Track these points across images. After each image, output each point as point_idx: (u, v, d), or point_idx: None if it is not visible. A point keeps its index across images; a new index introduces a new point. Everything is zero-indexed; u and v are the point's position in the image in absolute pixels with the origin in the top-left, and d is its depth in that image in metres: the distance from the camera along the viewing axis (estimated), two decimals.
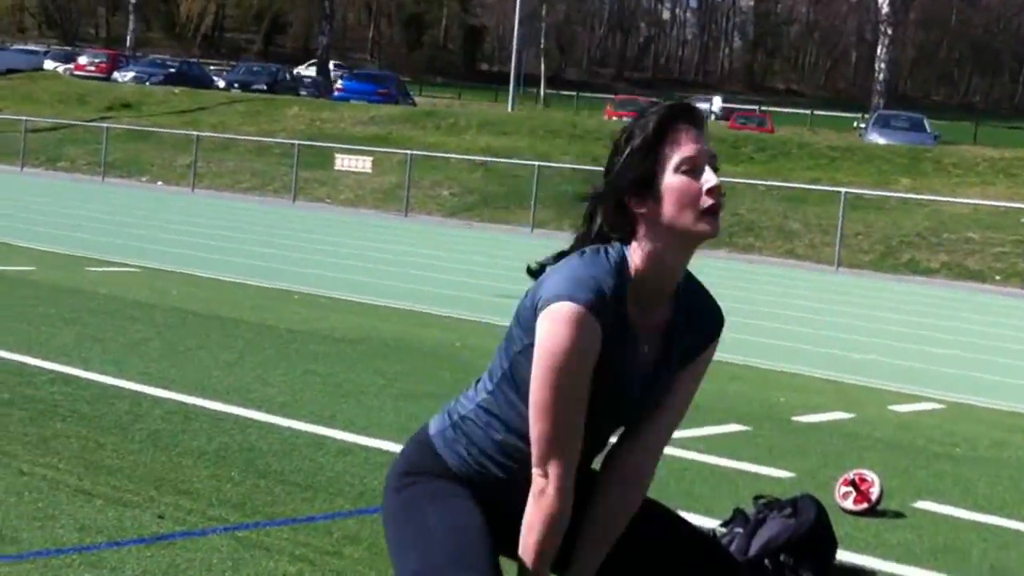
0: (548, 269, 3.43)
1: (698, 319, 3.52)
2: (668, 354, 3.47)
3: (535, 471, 3.38)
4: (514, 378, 3.43)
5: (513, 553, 3.50)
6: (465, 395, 3.59)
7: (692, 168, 3.33)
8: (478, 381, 3.58)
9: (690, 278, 3.52)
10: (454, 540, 3.39)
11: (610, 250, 3.39)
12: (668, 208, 3.33)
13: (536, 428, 3.35)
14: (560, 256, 3.49)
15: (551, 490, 3.36)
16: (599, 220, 3.45)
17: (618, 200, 3.39)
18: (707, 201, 3.33)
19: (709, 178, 3.34)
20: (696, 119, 3.40)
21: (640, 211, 3.37)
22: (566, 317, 3.27)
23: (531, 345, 3.35)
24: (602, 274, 3.33)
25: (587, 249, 3.41)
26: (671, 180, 3.33)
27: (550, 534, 3.39)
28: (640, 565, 3.66)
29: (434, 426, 3.60)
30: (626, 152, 3.38)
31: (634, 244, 3.39)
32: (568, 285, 3.30)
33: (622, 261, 3.37)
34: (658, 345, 3.46)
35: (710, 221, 3.34)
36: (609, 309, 3.31)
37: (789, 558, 6.22)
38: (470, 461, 3.51)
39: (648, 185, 3.34)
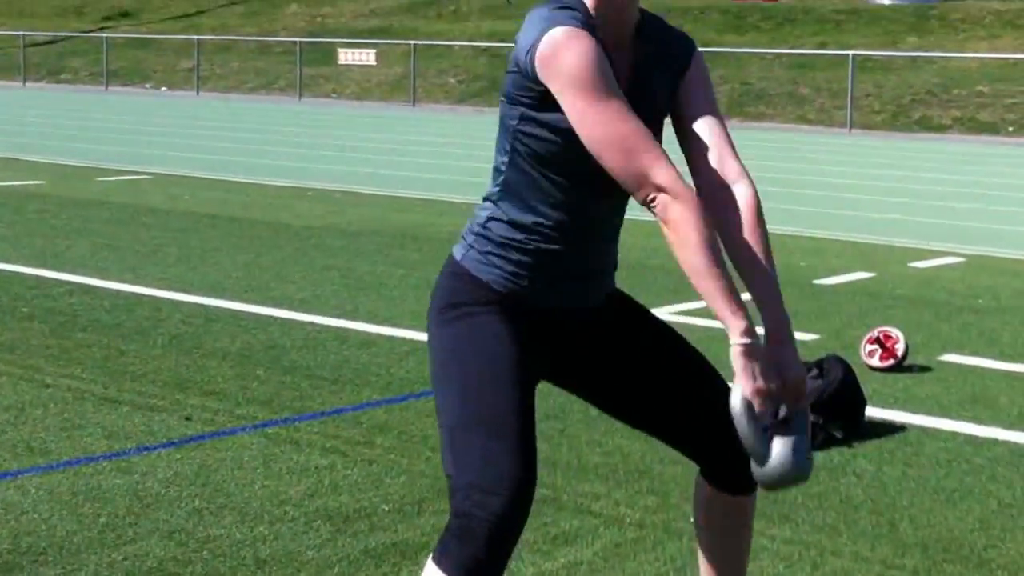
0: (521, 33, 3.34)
1: (665, 45, 3.44)
2: (649, 84, 3.40)
3: (644, 200, 3.18)
4: (523, 153, 3.35)
5: (584, 377, 3.49)
6: (476, 211, 3.50)
7: None
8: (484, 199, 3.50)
9: (648, 17, 3.46)
10: (487, 397, 3.29)
11: (565, 3, 3.33)
12: None
13: (610, 155, 3.18)
14: None
15: (671, 195, 3.13)
16: None
17: None
18: None
19: None
20: None
21: None
22: (564, 38, 3.19)
23: (530, 106, 3.28)
24: (571, 13, 3.27)
25: (545, 6, 3.34)
26: None
27: (702, 241, 3.10)
28: (671, 408, 3.56)
29: (459, 251, 3.48)
30: None
31: None
32: (549, 22, 3.24)
33: (580, 6, 3.31)
34: (635, 85, 3.38)
35: None
36: (593, 34, 3.25)
37: (819, 417, 6.21)
38: (507, 266, 3.41)
39: None
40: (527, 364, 3.39)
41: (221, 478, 5.61)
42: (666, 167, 3.15)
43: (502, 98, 3.40)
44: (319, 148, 21.92)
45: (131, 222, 13.14)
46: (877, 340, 7.74)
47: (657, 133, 3.40)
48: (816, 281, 10.42)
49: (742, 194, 3.31)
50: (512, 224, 3.40)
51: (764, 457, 3.17)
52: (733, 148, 3.38)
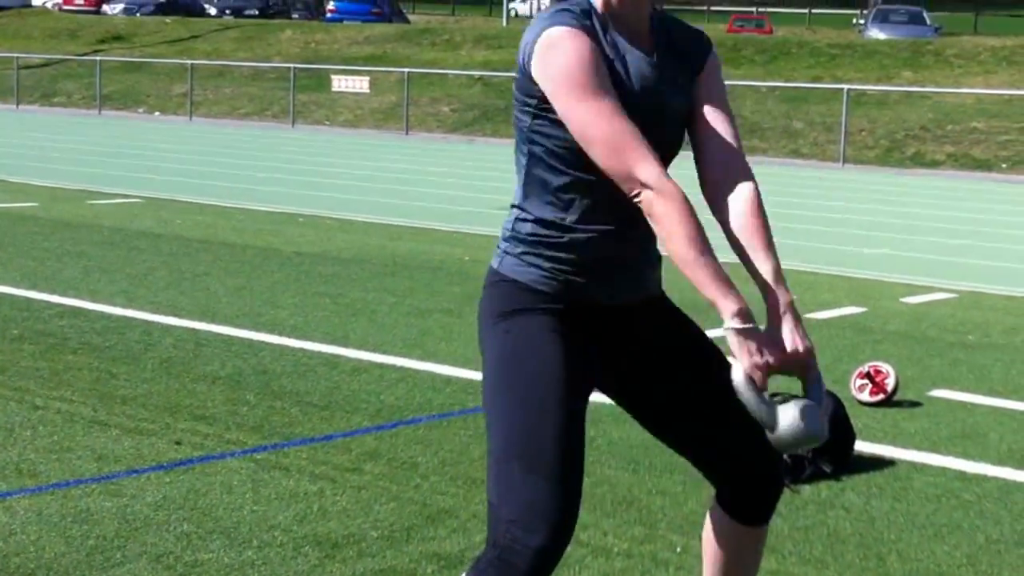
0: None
1: (682, 42, 3.51)
2: (664, 65, 3.45)
3: (630, 194, 3.25)
4: (539, 152, 3.39)
5: (642, 375, 3.52)
6: (505, 220, 3.54)
7: None
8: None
9: (664, 16, 3.52)
10: (533, 427, 3.30)
11: (572, 3, 3.40)
12: None
13: (597, 152, 3.26)
14: None
15: (655, 191, 3.20)
16: None
17: None
18: None
19: None
20: None
21: None
22: (557, 38, 3.28)
23: (537, 106, 3.33)
24: (571, 14, 3.34)
25: (553, 7, 3.42)
26: None
27: (689, 233, 3.19)
28: (703, 426, 3.57)
29: (495, 261, 3.53)
30: None
31: None
32: (546, 23, 3.32)
33: (587, 6, 3.38)
34: (653, 60, 3.44)
35: None
36: (590, 30, 3.32)
37: (808, 451, 6.22)
38: (543, 263, 3.43)
39: None
40: (576, 376, 3.41)
41: (210, 502, 5.61)
42: (651, 164, 3.23)
43: (514, 101, 3.44)
44: (311, 175, 21.93)
45: (122, 245, 13.15)
46: (867, 375, 7.75)
47: (678, 127, 3.47)
48: (808, 315, 10.43)
49: (745, 188, 3.40)
50: (539, 222, 3.44)
51: (773, 425, 3.23)
52: (740, 146, 3.46)
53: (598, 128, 3.24)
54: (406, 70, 36.77)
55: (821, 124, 31.42)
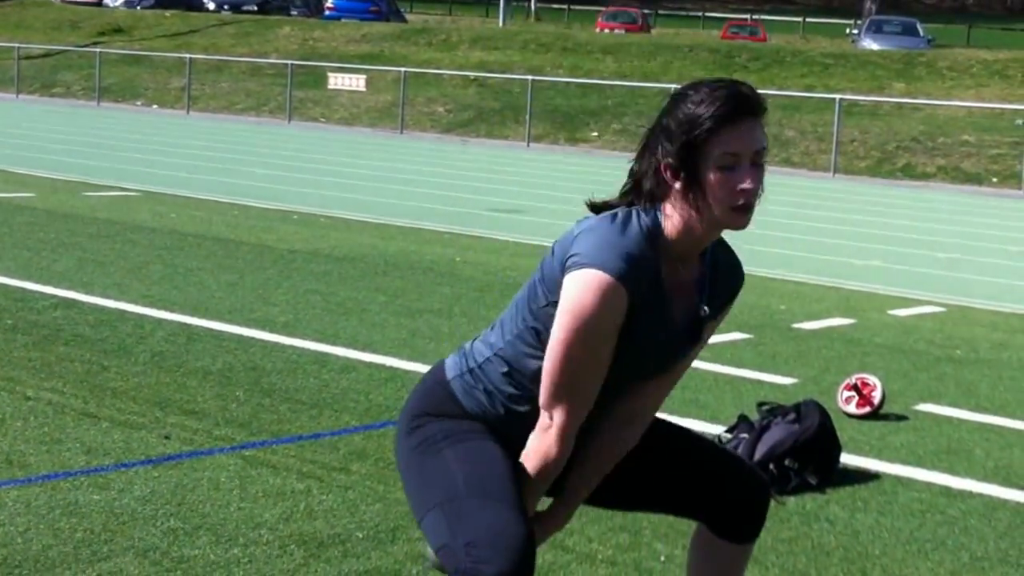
0: (581, 226, 3.37)
1: (724, 276, 3.53)
2: (697, 313, 3.48)
3: (542, 411, 3.39)
4: (536, 332, 3.41)
5: None
6: (482, 340, 3.56)
7: (733, 164, 3.28)
8: (493, 327, 3.55)
9: (716, 242, 3.51)
10: (474, 471, 3.38)
11: (643, 215, 3.35)
12: (699, 195, 3.30)
13: (548, 379, 3.35)
14: (599, 208, 3.44)
15: (553, 434, 3.38)
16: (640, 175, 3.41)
17: (656, 164, 3.35)
18: (738, 200, 3.29)
19: (746, 178, 3.27)
20: (757, 110, 3.31)
21: (674, 185, 3.33)
22: (594, 285, 3.24)
23: (555, 303, 3.33)
24: (634, 243, 3.29)
25: (620, 211, 3.36)
26: (709, 174, 3.28)
27: (543, 471, 3.42)
28: (670, 485, 3.67)
29: (451, 370, 3.57)
30: (675, 129, 3.30)
31: (668, 209, 3.35)
32: (599, 252, 3.26)
33: (656, 228, 3.34)
34: (687, 306, 3.46)
35: (739, 217, 3.31)
36: (640, 277, 3.28)
37: (794, 463, 6.25)
38: (488, 406, 3.50)
39: (686, 168, 3.30)
40: (505, 451, 3.48)
41: (197, 498, 5.63)
42: (573, 420, 3.38)
43: (539, 273, 3.43)
44: (306, 172, 21.95)
45: (117, 238, 13.16)
46: (854, 387, 7.78)
47: (695, 341, 3.54)
48: (795, 325, 10.48)
49: (630, 432, 3.58)
50: (507, 382, 3.49)
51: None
52: (666, 396, 3.63)
53: (565, 373, 3.33)
54: (403, 69, 36.78)
55: (813, 133, 31.45)
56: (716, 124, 3.25)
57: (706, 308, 3.48)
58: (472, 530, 3.25)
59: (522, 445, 3.48)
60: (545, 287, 3.38)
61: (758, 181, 3.29)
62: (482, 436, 3.48)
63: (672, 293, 3.39)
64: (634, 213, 3.35)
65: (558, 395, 3.34)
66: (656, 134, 3.35)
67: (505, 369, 3.47)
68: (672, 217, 3.34)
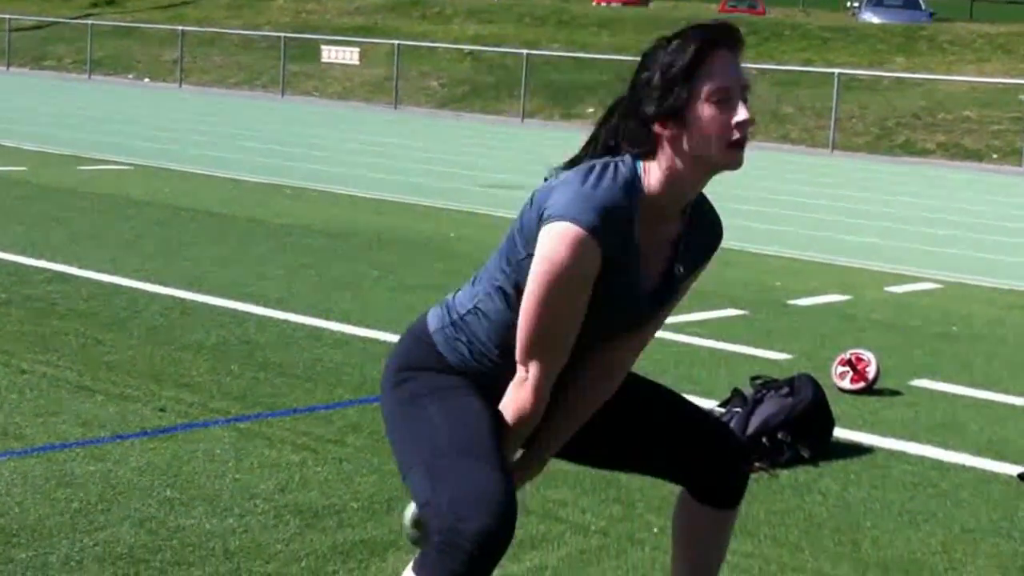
0: (557, 179, 3.36)
1: (702, 233, 3.50)
2: (672, 270, 3.46)
3: (518, 364, 3.40)
4: (516, 285, 3.40)
5: None
6: (464, 292, 3.55)
7: (724, 99, 3.26)
8: (475, 280, 3.55)
9: (697, 199, 3.48)
10: (458, 428, 3.39)
11: (621, 166, 3.33)
12: (694, 136, 3.27)
13: (522, 332, 3.36)
14: (571, 164, 3.43)
15: (529, 387, 3.40)
16: (616, 135, 3.39)
17: (643, 121, 3.33)
18: (735, 135, 3.27)
19: (740, 112, 3.27)
20: (736, 42, 3.31)
21: (664, 133, 3.30)
22: (567, 238, 3.23)
23: (532, 255, 3.33)
24: (611, 194, 3.27)
25: (597, 163, 3.34)
26: (701, 110, 3.25)
27: (519, 423, 3.45)
28: (648, 446, 3.68)
29: (433, 322, 3.57)
30: (658, 76, 3.29)
31: (652, 163, 3.32)
32: (574, 204, 3.25)
33: (633, 179, 3.31)
34: (663, 262, 3.44)
35: (735, 154, 3.29)
36: (614, 231, 3.26)
37: (787, 436, 6.27)
38: (470, 358, 3.51)
39: (677, 112, 3.28)
40: (490, 408, 3.49)
41: (193, 469, 5.65)
42: (548, 372, 3.40)
43: (517, 225, 3.42)
44: (300, 146, 21.93)
45: (111, 212, 13.16)
46: (848, 362, 7.79)
47: (670, 297, 3.53)
48: (791, 301, 10.49)
49: (605, 384, 3.59)
50: (489, 340, 3.50)
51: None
52: (642, 349, 3.63)
53: (539, 326, 3.33)
54: (396, 42, 36.69)
55: (811, 109, 31.38)
56: (699, 57, 3.25)
57: (681, 268, 3.47)
58: (455, 488, 3.26)
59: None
60: (523, 238, 3.37)
61: (750, 115, 3.30)
62: (466, 392, 3.49)
63: (648, 249, 3.38)
64: (612, 166, 3.33)
65: (532, 348, 3.35)
66: (637, 89, 3.33)
67: (485, 322, 3.48)
68: (656, 171, 3.32)
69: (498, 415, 3.47)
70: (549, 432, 3.57)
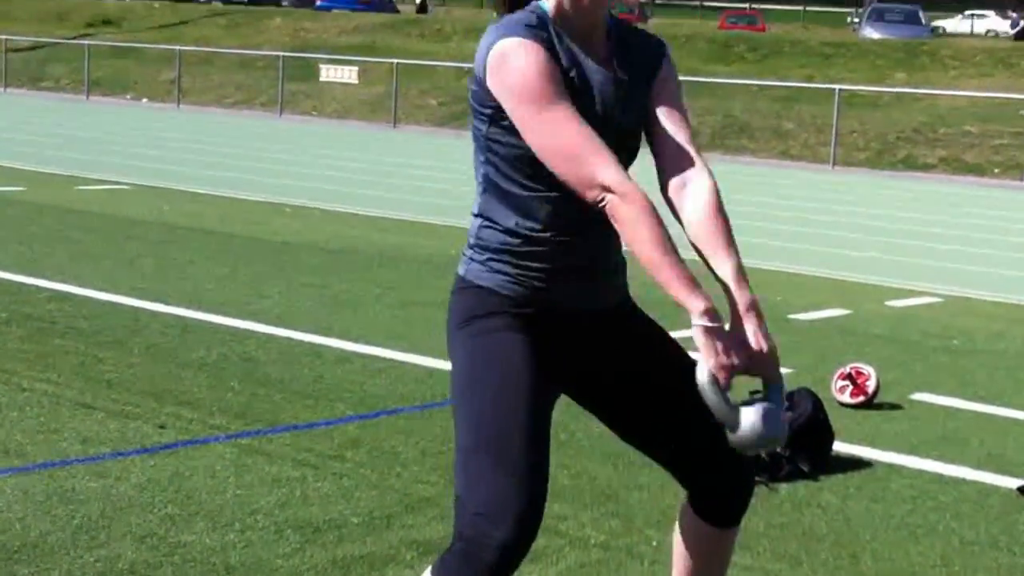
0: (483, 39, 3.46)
1: (639, 50, 3.55)
2: (616, 79, 3.48)
3: (593, 201, 3.25)
4: (497, 162, 3.43)
5: (602, 385, 3.56)
6: (470, 226, 3.57)
7: None
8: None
9: (619, 23, 3.56)
10: (497, 420, 3.35)
11: (527, 8, 3.45)
12: None
13: (556, 163, 3.28)
14: None
15: (618, 195, 3.22)
16: None
17: None
18: None
19: None
20: None
21: None
22: (510, 48, 3.31)
23: (492, 115, 3.37)
24: (523, 17, 3.39)
25: (504, 17, 3.46)
26: None
27: (654, 235, 3.21)
28: (663, 438, 3.63)
29: (461, 268, 3.57)
30: None
31: None
32: (498, 32, 3.36)
33: (538, 11, 3.42)
34: (606, 76, 3.47)
35: None
36: (541, 40, 3.34)
37: (786, 450, 6.27)
38: (508, 269, 3.47)
39: None
40: (542, 379, 3.46)
41: (193, 485, 5.66)
42: (612, 168, 3.25)
43: (471, 110, 3.48)
44: (299, 165, 21.95)
45: (110, 231, 13.17)
46: (848, 376, 7.80)
47: (631, 140, 3.51)
48: (791, 316, 10.50)
49: (703, 187, 3.42)
50: (502, 230, 3.48)
51: (735, 426, 3.27)
52: (695, 144, 3.50)
53: (556, 138, 3.27)
54: (395, 61, 36.72)
55: (812, 125, 31.35)
56: None
57: (624, 75, 3.48)
58: (486, 494, 3.27)
59: (562, 324, 3.47)
60: (477, 115, 3.42)
61: None
62: (522, 356, 3.42)
63: (590, 71, 3.43)
64: (516, 12, 3.45)
65: (575, 163, 3.25)
66: None
67: (497, 214, 3.47)
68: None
69: (551, 368, 3.44)
70: (707, 249, 3.37)
